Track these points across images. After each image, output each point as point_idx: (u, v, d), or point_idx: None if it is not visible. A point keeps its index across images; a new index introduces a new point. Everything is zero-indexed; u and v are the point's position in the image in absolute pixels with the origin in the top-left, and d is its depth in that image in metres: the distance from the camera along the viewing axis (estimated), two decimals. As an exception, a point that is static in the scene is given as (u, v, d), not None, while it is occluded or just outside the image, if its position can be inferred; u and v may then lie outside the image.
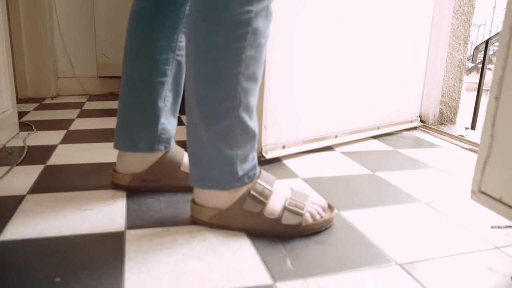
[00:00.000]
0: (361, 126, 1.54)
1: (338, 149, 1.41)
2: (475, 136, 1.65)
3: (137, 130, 0.95)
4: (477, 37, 12.15)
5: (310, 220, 0.82)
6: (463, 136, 1.64)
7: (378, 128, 1.61)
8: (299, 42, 1.26)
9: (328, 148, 1.41)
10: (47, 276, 0.66)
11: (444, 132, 1.68)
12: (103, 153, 1.28)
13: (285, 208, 0.81)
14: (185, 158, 1.00)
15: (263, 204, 0.80)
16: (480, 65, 2.59)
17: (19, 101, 2.09)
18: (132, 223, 0.84)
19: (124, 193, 0.98)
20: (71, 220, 0.84)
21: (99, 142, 1.38)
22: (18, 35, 2.16)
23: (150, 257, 0.72)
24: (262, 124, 1.21)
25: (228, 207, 0.81)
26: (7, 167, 1.13)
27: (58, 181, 1.04)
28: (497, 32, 3.14)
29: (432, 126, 1.79)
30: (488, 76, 2.93)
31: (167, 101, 0.96)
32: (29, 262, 0.69)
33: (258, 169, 0.83)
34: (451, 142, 1.58)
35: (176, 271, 0.68)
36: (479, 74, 2.53)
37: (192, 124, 0.79)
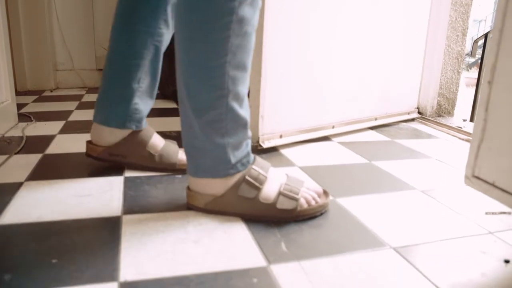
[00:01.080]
0: (358, 117, 1.54)
1: (335, 139, 1.41)
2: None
3: (111, 106, 1.00)
4: (477, 32, 12.11)
5: (305, 205, 0.82)
6: (461, 127, 1.64)
7: (376, 119, 1.61)
8: (296, 32, 1.26)
9: (325, 139, 1.42)
10: (44, 258, 0.66)
11: (442, 124, 1.69)
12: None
13: (280, 193, 0.82)
14: (152, 139, 1.04)
15: (258, 189, 0.81)
16: (479, 61, 2.59)
17: (18, 93, 2.10)
18: (129, 208, 0.85)
19: (122, 180, 0.98)
20: (68, 205, 0.85)
21: (97, 133, 1.38)
22: (17, 28, 2.16)
23: (146, 240, 0.73)
24: (259, 114, 1.21)
25: (223, 193, 0.81)
26: (6, 156, 1.13)
27: (56, 169, 1.05)
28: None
29: (430, 118, 1.79)
30: (488, 70, 2.92)
31: (142, 83, 1.00)
32: (26, 245, 0.70)
33: (251, 156, 0.84)
34: (448, 133, 1.59)
35: (171, 253, 0.69)
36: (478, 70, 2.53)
37: (184, 115, 0.80)
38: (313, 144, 1.35)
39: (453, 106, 1.89)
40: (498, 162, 0.69)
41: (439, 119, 1.80)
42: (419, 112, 1.84)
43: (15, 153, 1.17)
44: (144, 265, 0.65)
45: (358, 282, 0.63)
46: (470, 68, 9.54)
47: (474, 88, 2.47)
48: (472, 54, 2.92)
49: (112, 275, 0.63)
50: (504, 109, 0.68)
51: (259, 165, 0.84)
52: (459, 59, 1.84)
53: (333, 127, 1.45)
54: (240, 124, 0.80)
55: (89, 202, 0.87)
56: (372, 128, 1.60)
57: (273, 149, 1.27)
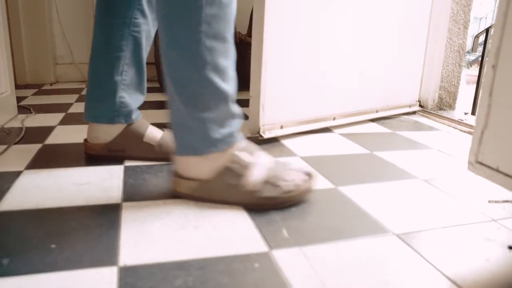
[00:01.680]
0: (360, 109, 1.53)
1: (337, 131, 1.40)
2: (474, 120, 1.65)
3: (98, 102, 1.01)
4: (478, 29, 12.10)
5: (292, 192, 0.80)
6: (462, 120, 1.64)
7: (377, 111, 1.60)
8: (300, 22, 1.25)
9: (327, 130, 1.41)
10: (43, 243, 0.66)
11: (443, 116, 1.68)
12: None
13: (265, 180, 0.80)
14: (148, 130, 1.05)
15: (243, 176, 0.79)
16: (480, 58, 2.58)
17: (17, 87, 2.08)
18: (129, 196, 0.84)
19: (122, 169, 0.98)
20: (67, 193, 0.84)
21: (97, 124, 1.37)
22: (17, 21, 2.15)
23: (146, 226, 0.72)
24: (260, 103, 1.20)
25: (209, 178, 0.80)
26: (5, 146, 1.13)
27: (55, 158, 1.04)
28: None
29: (431, 111, 1.78)
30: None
31: (125, 75, 0.99)
32: (25, 231, 0.69)
33: (236, 136, 0.81)
34: (450, 126, 1.58)
35: (172, 239, 0.68)
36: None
37: (168, 92, 0.80)
38: (315, 135, 1.34)
39: (454, 100, 1.88)
40: (502, 147, 0.69)
41: (441, 112, 1.79)
42: (420, 105, 1.83)
43: (15, 143, 1.16)
44: (144, 250, 0.65)
45: (360, 267, 0.63)
46: (471, 66, 9.53)
47: (475, 85, 2.46)
48: (473, 49, 2.90)
49: (111, 260, 0.62)
50: (509, 94, 0.67)
51: (245, 149, 0.82)
52: (461, 52, 1.83)
53: (334, 118, 1.44)
54: (221, 98, 0.78)
55: (88, 190, 0.86)
56: (373, 120, 1.59)
57: (274, 140, 1.27)
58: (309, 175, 0.85)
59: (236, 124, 0.82)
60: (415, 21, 1.66)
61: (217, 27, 0.74)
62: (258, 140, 1.22)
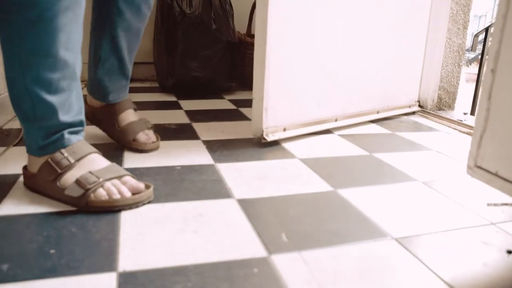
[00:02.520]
0: (360, 110, 1.53)
1: (337, 132, 1.40)
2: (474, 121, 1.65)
3: (88, 75, 1.18)
4: (477, 28, 12.09)
5: (104, 197, 0.79)
6: (461, 120, 1.64)
7: (378, 112, 1.60)
8: (301, 25, 1.25)
9: (326, 132, 1.41)
10: (42, 248, 0.66)
11: (443, 117, 1.68)
12: (102, 134, 1.27)
13: (76, 180, 0.80)
14: (124, 113, 1.16)
15: (58, 173, 0.81)
16: (479, 56, 2.58)
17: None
18: (128, 199, 0.84)
19: (120, 172, 0.98)
20: (66, 196, 0.84)
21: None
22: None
23: (144, 230, 0.72)
24: (263, 106, 1.20)
25: (36, 172, 0.84)
26: (3, 148, 1.12)
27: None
28: (497, 19, 3.12)
29: (431, 111, 1.78)
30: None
31: (105, 62, 1.11)
32: (23, 236, 0.69)
33: (67, 141, 0.84)
34: (449, 126, 1.58)
35: (170, 244, 0.68)
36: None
37: None
38: (314, 137, 1.34)
39: (453, 100, 1.88)
40: (501, 151, 0.69)
41: (440, 113, 1.79)
42: (420, 106, 1.83)
43: (13, 145, 1.16)
44: (143, 255, 0.65)
45: (359, 272, 0.63)
46: (470, 64, 9.53)
47: (474, 83, 2.46)
48: (472, 48, 2.90)
49: (110, 265, 0.62)
50: (508, 98, 0.67)
51: (72, 151, 0.83)
52: (460, 52, 1.82)
53: (336, 120, 1.44)
54: (46, 108, 0.81)
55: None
56: (373, 121, 1.59)
57: (275, 143, 1.26)
58: (146, 186, 0.85)
59: (69, 130, 0.85)
60: (414, 21, 1.66)
61: (37, 42, 0.77)
62: (261, 143, 1.22)
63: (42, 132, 0.83)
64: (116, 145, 1.17)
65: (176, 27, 1.89)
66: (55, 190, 0.81)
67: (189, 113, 1.62)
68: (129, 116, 1.16)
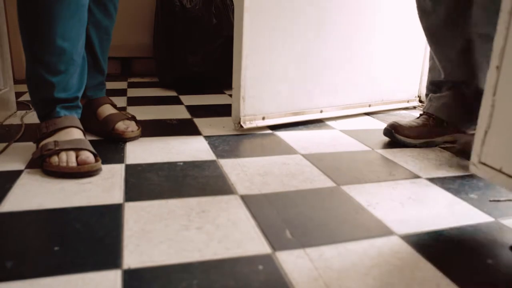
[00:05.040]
0: (350, 102, 1.55)
1: (337, 127, 1.40)
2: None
3: None
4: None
5: (55, 163, 0.92)
6: (462, 116, 1.63)
7: (370, 105, 1.61)
8: (280, 15, 1.27)
9: (328, 127, 1.40)
10: (46, 245, 0.66)
11: (443, 112, 1.68)
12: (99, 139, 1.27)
13: (41, 145, 0.97)
14: (102, 107, 1.23)
15: (37, 137, 1.00)
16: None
17: (15, 82, 2.07)
18: (131, 195, 0.84)
19: (123, 168, 0.97)
20: (69, 193, 0.84)
21: (97, 121, 1.37)
22: (15, 16, 2.12)
23: (149, 227, 0.72)
24: (240, 95, 1.25)
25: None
26: (5, 144, 1.12)
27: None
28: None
29: (431, 107, 1.78)
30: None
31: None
32: (27, 233, 0.69)
33: (55, 114, 1.01)
34: (450, 122, 1.57)
35: (175, 240, 0.68)
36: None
37: None
38: (316, 132, 1.34)
39: (454, 95, 1.87)
40: (506, 148, 0.69)
41: (441, 108, 1.78)
42: (420, 101, 1.82)
43: (15, 141, 1.15)
44: (147, 252, 0.65)
45: (364, 268, 0.63)
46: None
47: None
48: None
49: (115, 262, 0.62)
50: (513, 94, 0.67)
51: (54, 123, 1.00)
52: (461, 48, 1.82)
53: (321, 111, 1.46)
54: (44, 85, 0.99)
55: (90, 190, 0.85)
56: (367, 114, 1.58)
57: (277, 139, 1.26)
58: (91, 162, 0.94)
59: (61, 105, 1.02)
60: (414, 15, 1.65)
61: (38, 32, 0.95)
62: (242, 129, 1.23)
63: (41, 104, 1.03)
64: (118, 144, 1.17)
65: (176, 22, 1.89)
66: (35, 151, 0.98)
67: (190, 108, 1.61)
68: (108, 109, 1.23)
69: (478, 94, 1.06)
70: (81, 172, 0.91)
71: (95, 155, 0.96)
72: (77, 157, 0.93)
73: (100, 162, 0.95)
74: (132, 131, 1.20)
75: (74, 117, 1.04)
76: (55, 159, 0.92)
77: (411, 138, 1.21)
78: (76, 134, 1.00)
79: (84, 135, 1.03)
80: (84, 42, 1.06)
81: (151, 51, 2.21)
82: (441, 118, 1.23)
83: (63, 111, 1.02)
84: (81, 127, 1.03)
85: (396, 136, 1.22)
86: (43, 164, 0.93)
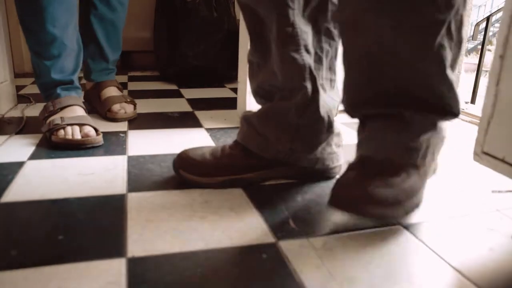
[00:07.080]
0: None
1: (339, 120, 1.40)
2: (475, 109, 1.65)
3: None
4: (477, 18, 12.04)
5: (61, 136, 1.03)
6: (463, 109, 1.63)
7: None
8: None
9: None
10: (50, 234, 0.66)
11: (444, 106, 1.67)
12: (104, 122, 1.27)
13: (48, 121, 1.09)
14: (106, 89, 1.35)
15: (45, 115, 1.13)
16: (479, 46, 2.57)
17: (16, 75, 2.07)
18: (133, 186, 0.84)
19: (125, 159, 0.98)
20: (72, 184, 0.84)
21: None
22: (14, 11, 2.12)
23: (152, 217, 0.72)
24: (246, 89, 1.25)
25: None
26: (6, 136, 1.12)
27: (58, 148, 1.04)
28: (499, 8, 3.11)
29: (432, 100, 1.78)
30: (488, 57, 2.90)
31: (87, 48, 1.30)
32: (31, 222, 0.69)
33: (57, 95, 1.15)
34: (451, 115, 1.57)
35: (178, 230, 0.68)
36: (478, 55, 2.51)
37: None
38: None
39: (455, 89, 1.87)
40: (509, 137, 0.69)
41: (442, 101, 1.78)
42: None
43: (16, 133, 1.15)
44: (151, 241, 0.65)
45: (367, 257, 0.63)
46: (469, 54, 9.52)
47: (473, 73, 2.45)
48: (473, 37, 2.89)
49: (119, 251, 0.62)
50: (516, 83, 0.67)
51: (59, 102, 1.13)
52: (462, 41, 1.81)
53: None
54: (44, 69, 1.14)
55: (93, 180, 0.86)
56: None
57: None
58: (92, 135, 1.06)
59: (61, 87, 1.16)
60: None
61: (31, 20, 1.13)
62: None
63: (43, 86, 1.17)
64: (120, 136, 1.17)
65: (176, 16, 1.88)
66: (44, 126, 1.10)
67: (191, 101, 1.61)
68: (111, 91, 1.35)
69: None
70: (85, 143, 1.03)
71: (96, 130, 1.08)
72: (80, 131, 1.05)
73: (101, 135, 1.08)
74: (125, 113, 1.30)
75: (76, 96, 1.17)
76: (61, 132, 1.04)
77: None
78: (79, 111, 1.13)
79: (86, 112, 1.15)
80: (75, 28, 1.17)
81: (151, 45, 2.20)
82: None
83: (64, 92, 1.16)
84: (82, 105, 1.16)
85: None
86: (51, 137, 1.04)
